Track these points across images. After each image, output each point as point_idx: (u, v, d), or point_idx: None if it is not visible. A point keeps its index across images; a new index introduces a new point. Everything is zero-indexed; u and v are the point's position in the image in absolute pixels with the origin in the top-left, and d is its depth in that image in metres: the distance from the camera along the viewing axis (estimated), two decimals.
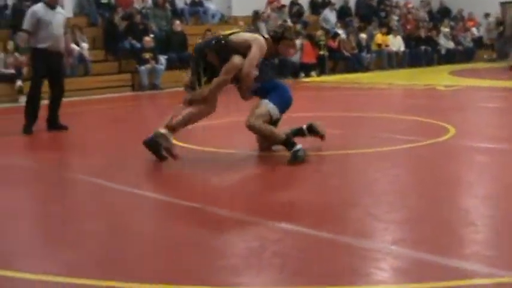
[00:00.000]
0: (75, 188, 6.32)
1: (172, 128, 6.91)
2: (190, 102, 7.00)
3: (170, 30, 18.57)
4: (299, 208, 5.18)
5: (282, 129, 7.20)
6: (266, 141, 7.29)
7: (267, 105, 7.05)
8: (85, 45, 16.76)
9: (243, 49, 6.79)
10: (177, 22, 18.63)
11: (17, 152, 8.34)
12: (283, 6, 22.23)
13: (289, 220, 4.70)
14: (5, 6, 17.45)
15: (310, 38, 20.43)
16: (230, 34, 7.01)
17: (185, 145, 7.73)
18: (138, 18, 18.27)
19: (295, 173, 6.41)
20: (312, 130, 7.52)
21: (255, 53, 6.76)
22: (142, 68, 16.75)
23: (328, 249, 4.08)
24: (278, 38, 7.06)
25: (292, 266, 3.80)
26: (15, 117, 9.68)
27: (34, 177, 6.86)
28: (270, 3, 22.18)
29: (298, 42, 19.89)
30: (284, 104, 7.19)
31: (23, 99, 14.16)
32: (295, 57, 19.44)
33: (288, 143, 6.84)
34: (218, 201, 5.37)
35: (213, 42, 7.00)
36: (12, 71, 14.86)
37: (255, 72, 6.97)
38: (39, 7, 9.43)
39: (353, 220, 4.76)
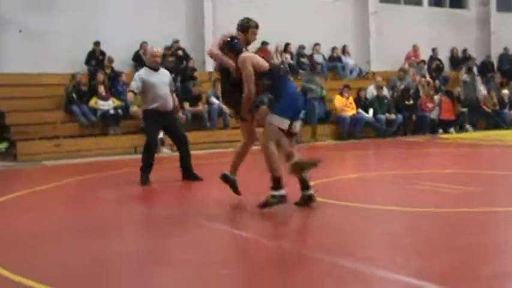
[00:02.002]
0: (208, 236, 6.53)
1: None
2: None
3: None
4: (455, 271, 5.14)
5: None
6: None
7: (270, 119, 6.97)
8: None
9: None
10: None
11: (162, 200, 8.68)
12: (423, 61, 22.10)
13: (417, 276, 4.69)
14: None
15: (450, 94, 20.15)
16: None
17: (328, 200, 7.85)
18: None
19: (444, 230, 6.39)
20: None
21: (246, 72, 7.07)
22: None
23: None
24: (246, 28, 7.56)
25: None
26: (155, 167, 10.10)
27: (175, 224, 7.17)
28: (408, 58, 22.11)
29: (436, 98, 19.74)
30: (290, 109, 7.04)
31: (165, 151, 14.87)
32: (434, 114, 19.25)
33: (275, 183, 6.96)
34: (351, 255, 5.39)
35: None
36: None
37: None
38: (142, 71, 10.18)
39: None
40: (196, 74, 18.05)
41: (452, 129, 19.41)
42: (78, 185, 9.02)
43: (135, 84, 9.95)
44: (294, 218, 7.12)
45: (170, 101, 10.15)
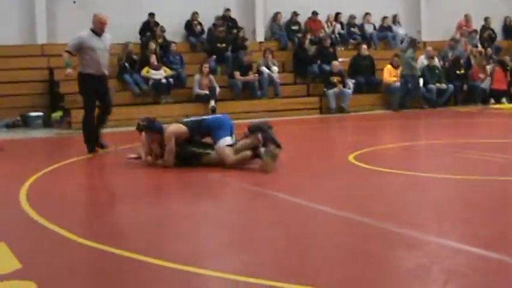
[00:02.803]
0: (258, 199, 6.69)
1: None
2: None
3: (358, 54, 18.80)
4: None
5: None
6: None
7: (220, 146, 8.28)
8: (275, 68, 17.41)
9: None
10: (364, 46, 18.83)
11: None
12: (475, 31, 21.81)
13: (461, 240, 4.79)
14: (201, 32, 18.56)
15: (502, 64, 19.86)
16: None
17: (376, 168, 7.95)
18: (327, 42, 18.72)
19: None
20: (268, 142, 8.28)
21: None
22: (330, 91, 17.09)
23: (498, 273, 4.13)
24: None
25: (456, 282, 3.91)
26: None
27: (227, 189, 7.34)
28: (460, 28, 21.84)
29: (488, 68, 19.50)
30: (225, 129, 8.40)
31: None
32: (485, 84, 19.04)
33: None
34: (397, 221, 5.50)
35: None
36: (206, 92, 15.74)
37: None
38: (85, 33, 10.05)
39: None
40: (247, 43, 18.13)
41: (504, 100, 19.15)
42: (130, 152, 9.22)
43: (72, 45, 9.95)
44: (344, 185, 7.23)
45: (106, 66, 10.17)
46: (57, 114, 15.34)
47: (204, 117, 9.09)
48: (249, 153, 8.23)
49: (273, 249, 4.78)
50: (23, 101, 15.81)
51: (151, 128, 8.56)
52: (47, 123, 15.40)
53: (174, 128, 8.52)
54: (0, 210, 6.28)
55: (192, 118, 8.95)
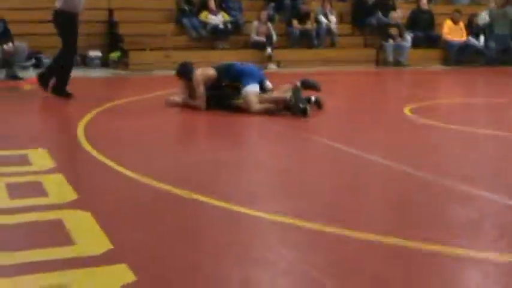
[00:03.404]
0: (312, 148, 6.72)
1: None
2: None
3: (417, 8, 18.47)
4: None
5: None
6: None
7: (247, 93, 8.29)
8: (333, 18, 17.23)
9: None
10: (424, 1, 18.46)
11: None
12: None
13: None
14: None
15: None
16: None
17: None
18: None
19: None
20: (306, 85, 8.47)
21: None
22: (388, 43, 16.88)
23: None
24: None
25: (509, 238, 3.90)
26: None
27: (280, 137, 7.39)
28: None
29: None
30: (255, 76, 8.49)
31: (271, 66, 15.06)
32: None
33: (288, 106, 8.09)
34: (450, 174, 5.47)
35: None
36: (263, 39, 15.69)
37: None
38: None
39: None
40: None
41: None
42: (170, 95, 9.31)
43: None
44: (398, 137, 7.21)
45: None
46: (115, 55, 15.48)
47: (234, 62, 9.12)
48: (271, 106, 8.27)
49: (324, 195, 4.82)
50: (82, 41, 15.79)
51: (183, 72, 8.81)
52: (105, 63, 15.57)
53: (201, 71, 8.66)
54: (60, 144, 6.43)
55: (225, 63, 9.04)
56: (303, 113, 7.92)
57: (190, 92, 8.76)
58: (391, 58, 16.83)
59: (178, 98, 8.94)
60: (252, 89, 8.36)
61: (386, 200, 4.74)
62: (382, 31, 17.27)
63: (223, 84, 8.65)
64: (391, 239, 3.70)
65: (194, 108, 8.56)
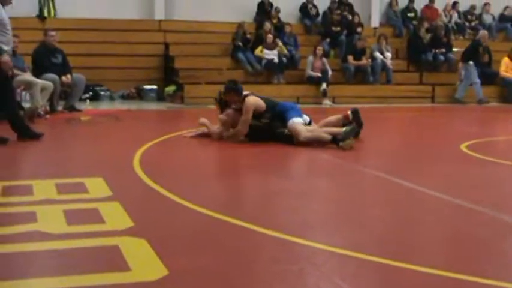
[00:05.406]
0: (366, 180, 6.67)
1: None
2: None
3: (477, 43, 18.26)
4: None
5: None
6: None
7: (294, 123, 8.36)
8: (389, 54, 17.23)
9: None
10: (485, 33, 18.22)
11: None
12: None
13: None
14: (316, 15, 18.57)
15: None
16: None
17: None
18: (442, 32, 18.33)
19: None
20: (355, 116, 8.76)
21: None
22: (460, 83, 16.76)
23: None
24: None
25: None
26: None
27: (334, 169, 7.35)
28: None
29: None
30: (297, 112, 8.64)
31: (326, 102, 15.07)
32: None
33: (335, 139, 8.08)
34: (508, 210, 5.35)
35: None
36: (318, 74, 15.72)
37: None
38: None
39: None
40: (361, 29, 17.99)
41: None
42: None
43: None
44: (454, 172, 7.10)
45: None
46: (170, 89, 15.69)
47: (278, 100, 9.11)
48: (326, 136, 8.24)
49: (381, 227, 4.75)
50: (139, 74, 16.26)
51: (234, 88, 8.58)
52: (161, 96, 15.79)
53: (255, 100, 8.57)
54: (116, 173, 6.49)
55: (269, 98, 9.00)
56: (360, 126, 8.65)
57: (234, 116, 8.64)
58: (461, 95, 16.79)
59: (211, 128, 8.92)
60: (298, 120, 8.44)
61: (443, 234, 4.65)
62: (438, 69, 17.18)
63: (266, 117, 8.62)
64: (449, 273, 3.62)
65: (233, 137, 8.56)
